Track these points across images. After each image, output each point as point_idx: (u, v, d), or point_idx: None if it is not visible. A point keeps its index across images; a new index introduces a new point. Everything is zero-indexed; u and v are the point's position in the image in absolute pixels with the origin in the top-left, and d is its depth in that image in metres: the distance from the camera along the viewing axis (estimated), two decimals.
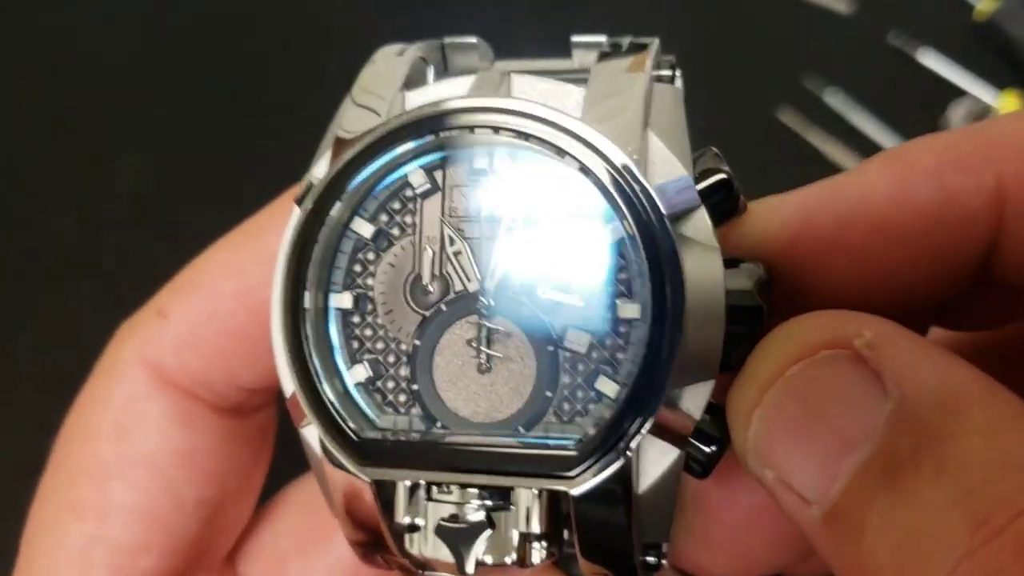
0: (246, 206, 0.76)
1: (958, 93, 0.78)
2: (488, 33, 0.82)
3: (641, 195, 0.28)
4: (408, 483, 0.29)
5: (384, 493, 0.30)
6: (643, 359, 0.28)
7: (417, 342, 0.31)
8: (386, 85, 0.32)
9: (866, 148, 0.75)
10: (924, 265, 0.31)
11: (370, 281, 0.31)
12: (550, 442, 0.29)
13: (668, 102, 0.31)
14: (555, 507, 0.29)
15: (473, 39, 0.35)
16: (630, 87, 0.30)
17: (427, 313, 0.31)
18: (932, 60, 0.79)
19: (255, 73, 0.80)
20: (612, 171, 0.28)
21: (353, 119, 0.31)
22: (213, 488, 0.38)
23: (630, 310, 0.29)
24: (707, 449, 0.29)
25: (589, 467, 0.28)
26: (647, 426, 0.28)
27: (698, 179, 0.29)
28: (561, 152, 0.29)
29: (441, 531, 0.29)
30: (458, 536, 0.29)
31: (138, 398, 0.38)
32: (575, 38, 0.34)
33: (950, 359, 0.24)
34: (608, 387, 0.30)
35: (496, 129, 0.29)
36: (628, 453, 0.28)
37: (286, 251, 0.31)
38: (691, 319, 0.27)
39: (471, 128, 0.29)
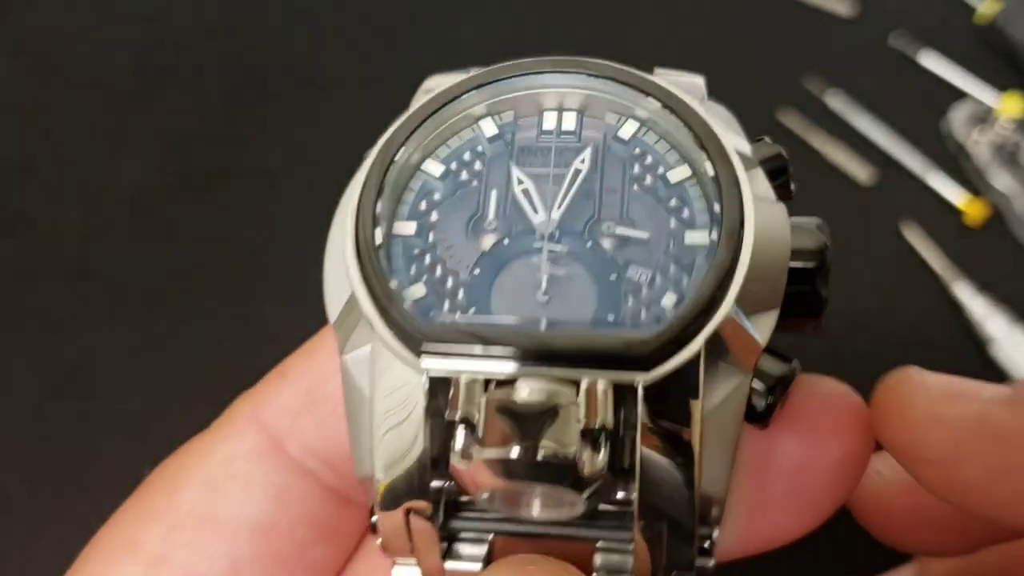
0: (247, 210, 0.76)
1: (959, 95, 0.78)
2: (488, 38, 0.82)
3: (710, 138, 0.31)
4: (467, 377, 0.28)
5: (436, 397, 0.29)
6: (709, 272, 0.29)
7: (476, 271, 0.31)
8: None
9: (867, 150, 0.75)
10: None
11: (434, 217, 0.32)
12: (619, 332, 0.29)
13: (722, 114, 0.35)
14: (620, 409, 0.28)
15: None
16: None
17: (488, 248, 0.31)
18: (933, 62, 0.79)
19: (257, 77, 0.80)
20: (685, 115, 0.32)
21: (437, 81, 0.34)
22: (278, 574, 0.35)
23: (695, 237, 0.30)
24: (768, 392, 0.29)
25: (660, 359, 0.28)
26: (716, 323, 0.28)
27: (754, 150, 0.33)
28: (642, 93, 0.32)
29: (503, 410, 0.27)
30: (522, 418, 0.27)
31: (240, 458, 0.35)
32: None
33: None
34: (673, 302, 0.30)
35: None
36: (699, 343, 0.28)
37: (358, 192, 0.31)
38: (756, 241, 0.29)
39: (542, 71, 0.33)
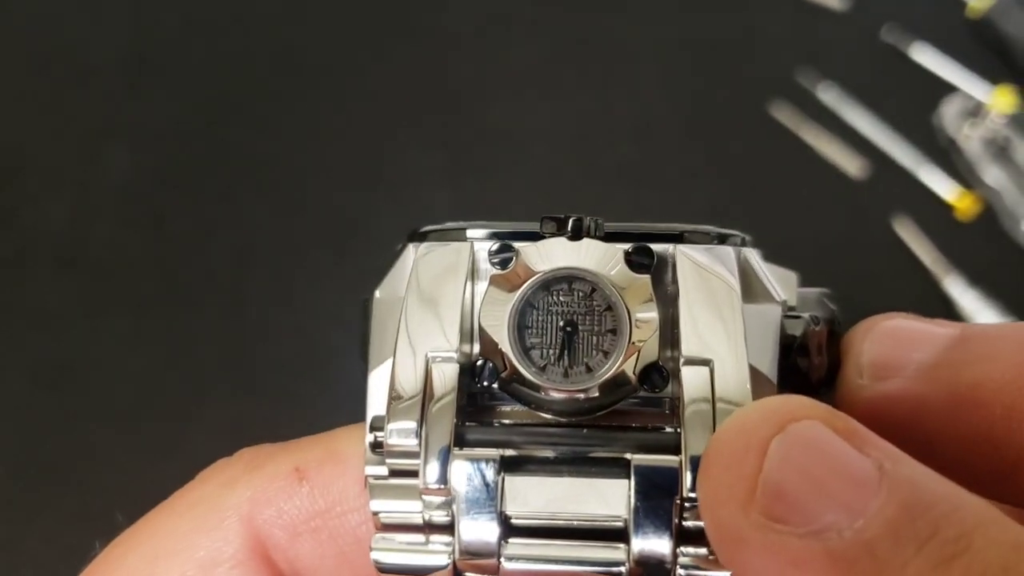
0: (237, 202, 0.76)
1: (951, 89, 0.78)
2: (486, 27, 0.81)
3: None
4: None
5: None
6: None
7: None
8: None
9: (860, 143, 0.75)
10: None
11: None
12: None
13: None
14: None
15: None
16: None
17: None
18: (925, 56, 0.79)
19: (246, 67, 0.80)
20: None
21: None
22: None
23: None
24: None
25: None
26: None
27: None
28: None
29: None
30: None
31: (223, 563, 0.31)
32: None
33: None
34: None
35: None
36: None
37: None
38: None
39: None
